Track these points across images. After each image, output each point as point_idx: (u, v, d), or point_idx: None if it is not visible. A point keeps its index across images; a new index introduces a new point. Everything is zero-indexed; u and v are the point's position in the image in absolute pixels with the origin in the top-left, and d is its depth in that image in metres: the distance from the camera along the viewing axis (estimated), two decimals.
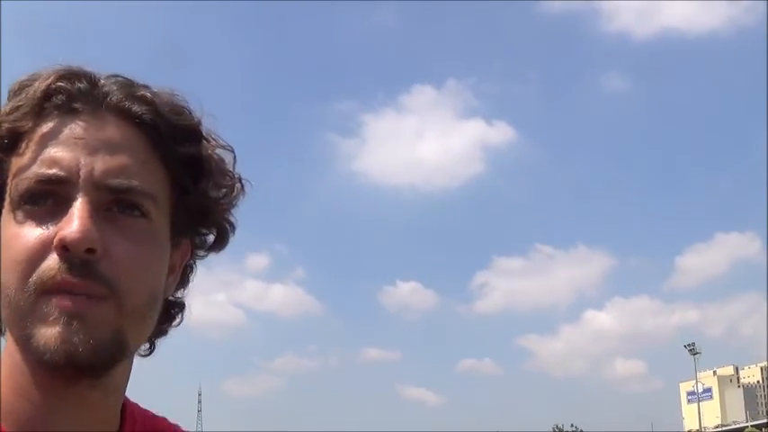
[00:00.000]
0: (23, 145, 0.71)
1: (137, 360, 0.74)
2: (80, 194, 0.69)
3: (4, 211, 0.71)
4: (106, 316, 0.68)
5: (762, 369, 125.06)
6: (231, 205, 0.80)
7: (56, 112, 0.71)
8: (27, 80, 0.73)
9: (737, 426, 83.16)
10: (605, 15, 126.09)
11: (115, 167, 0.70)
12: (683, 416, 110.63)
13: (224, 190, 0.79)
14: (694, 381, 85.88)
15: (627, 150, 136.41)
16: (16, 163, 0.71)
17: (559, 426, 75.54)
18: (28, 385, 0.70)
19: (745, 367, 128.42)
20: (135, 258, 0.70)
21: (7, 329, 0.72)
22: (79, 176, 0.69)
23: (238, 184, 0.80)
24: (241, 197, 0.81)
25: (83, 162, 0.69)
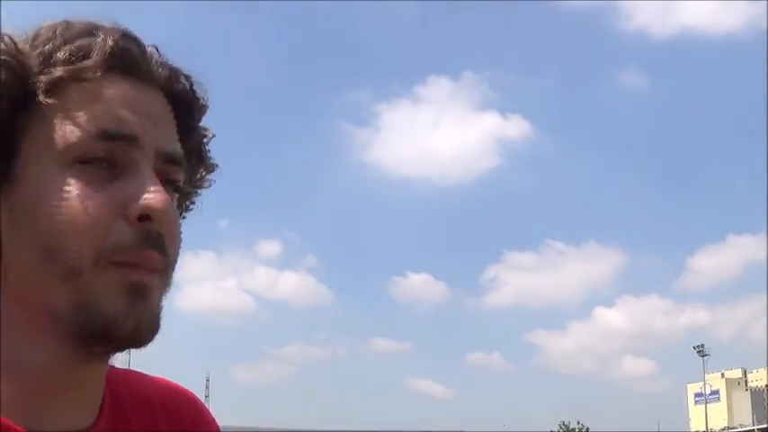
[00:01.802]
0: (78, 95, 0.65)
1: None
2: (145, 160, 0.66)
3: (42, 161, 0.65)
4: (159, 290, 0.67)
5: None
6: (199, 193, 0.80)
7: (118, 71, 0.67)
8: (82, 27, 0.68)
9: (744, 429, 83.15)
10: (624, 13, 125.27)
11: (171, 139, 0.70)
12: (690, 417, 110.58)
13: (207, 179, 0.79)
14: (702, 382, 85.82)
15: (642, 148, 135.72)
16: (66, 112, 0.65)
17: (566, 423, 75.68)
18: (36, 366, 0.65)
19: (754, 370, 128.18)
20: (178, 235, 0.70)
21: (31, 302, 0.65)
22: (145, 141, 0.66)
23: (213, 174, 0.80)
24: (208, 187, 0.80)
25: (147, 127, 0.67)
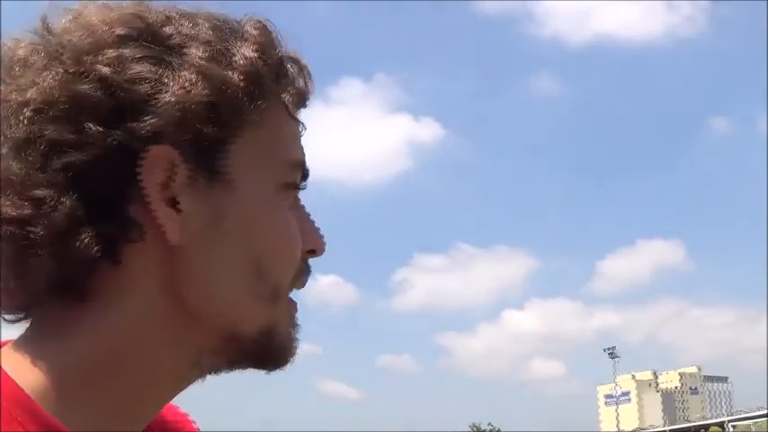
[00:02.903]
0: (283, 117, 0.66)
1: None
2: (300, 198, 0.68)
3: (261, 175, 0.63)
4: None
5: (680, 375, 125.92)
6: None
7: (295, 98, 0.67)
8: (293, 55, 0.68)
9: (655, 429, 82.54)
10: (540, 19, 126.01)
11: None
12: (601, 418, 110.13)
13: None
14: (613, 384, 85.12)
15: (554, 153, 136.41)
16: (279, 131, 0.65)
17: (477, 424, 73.66)
18: (169, 379, 0.64)
19: (664, 372, 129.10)
20: None
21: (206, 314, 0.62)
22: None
23: None
24: None
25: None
